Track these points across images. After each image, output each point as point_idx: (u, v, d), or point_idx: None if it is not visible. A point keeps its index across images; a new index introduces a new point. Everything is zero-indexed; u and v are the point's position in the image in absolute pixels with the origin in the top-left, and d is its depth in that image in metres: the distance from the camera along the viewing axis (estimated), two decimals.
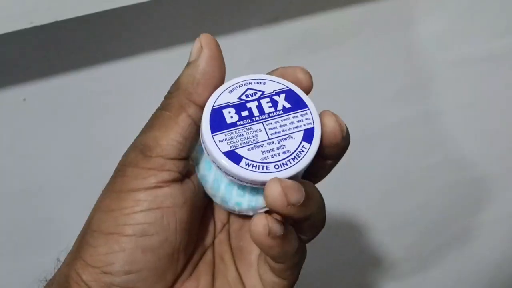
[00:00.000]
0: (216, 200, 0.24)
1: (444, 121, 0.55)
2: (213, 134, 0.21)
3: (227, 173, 0.21)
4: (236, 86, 0.23)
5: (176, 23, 0.38)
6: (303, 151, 0.21)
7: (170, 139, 0.21)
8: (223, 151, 0.21)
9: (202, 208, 0.25)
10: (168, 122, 0.22)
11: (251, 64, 0.42)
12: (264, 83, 0.23)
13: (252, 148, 0.21)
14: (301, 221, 0.22)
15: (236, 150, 0.21)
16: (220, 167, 0.21)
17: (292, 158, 0.21)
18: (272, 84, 0.23)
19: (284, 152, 0.21)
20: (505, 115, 0.58)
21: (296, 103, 0.22)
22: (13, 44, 0.34)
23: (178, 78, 0.22)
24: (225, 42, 0.41)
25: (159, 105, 0.23)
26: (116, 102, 0.39)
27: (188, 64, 0.22)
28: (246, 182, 0.21)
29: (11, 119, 0.37)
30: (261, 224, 0.20)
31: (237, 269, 0.24)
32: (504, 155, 0.62)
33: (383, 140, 0.53)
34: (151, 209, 0.21)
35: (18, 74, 0.36)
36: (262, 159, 0.21)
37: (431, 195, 0.61)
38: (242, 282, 0.24)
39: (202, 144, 0.22)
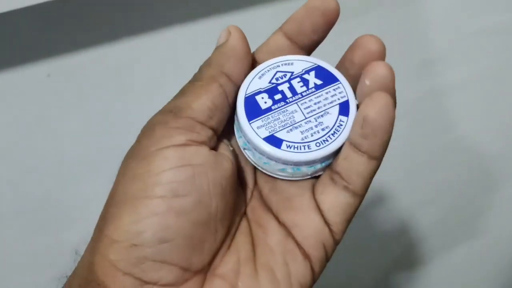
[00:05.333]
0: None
1: (463, 95, 0.54)
2: (250, 122, 0.21)
3: (270, 158, 0.21)
4: (265, 71, 0.23)
5: None
6: (341, 124, 0.21)
7: (201, 103, 0.21)
8: (262, 137, 0.21)
9: (236, 183, 0.23)
10: (199, 90, 0.21)
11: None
12: (291, 64, 0.23)
13: (291, 129, 0.21)
14: None
15: (276, 134, 0.21)
16: (263, 154, 0.21)
17: (332, 134, 0.21)
18: (300, 64, 0.23)
19: (323, 129, 0.21)
20: None
21: (327, 79, 0.22)
22: (37, 18, 0.34)
23: (209, 57, 0.22)
24: (245, 16, 0.41)
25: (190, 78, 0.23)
26: (140, 77, 0.39)
27: (217, 46, 0.22)
28: (291, 164, 0.21)
29: (36, 95, 0.37)
30: (390, 102, 0.20)
31: (284, 226, 0.23)
32: None
33: (402, 115, 0.53)
34: (181, 166, 0.20)
35: (42, 50, 0.36)
36: (302, 139, 0.21)
37: (452, 170, 0.60)
38: (293, 237, 0.22)
39: (240, 133, 0.22)
